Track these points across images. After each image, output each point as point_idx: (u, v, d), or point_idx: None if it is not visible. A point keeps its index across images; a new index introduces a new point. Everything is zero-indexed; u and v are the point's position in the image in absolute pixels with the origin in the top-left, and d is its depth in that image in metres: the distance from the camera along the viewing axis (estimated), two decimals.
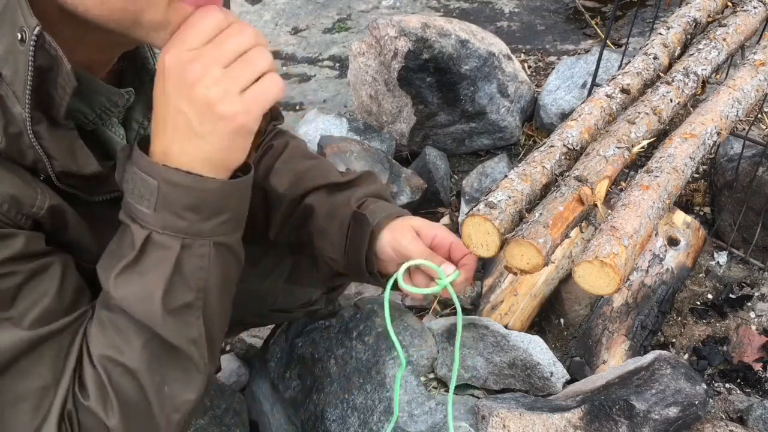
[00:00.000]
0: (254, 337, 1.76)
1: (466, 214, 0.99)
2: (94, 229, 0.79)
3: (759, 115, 2.15)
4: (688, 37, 1.45)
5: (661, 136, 1.20)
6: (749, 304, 1.75)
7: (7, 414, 0.70)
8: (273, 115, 1.18)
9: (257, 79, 0.68)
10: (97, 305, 0.75)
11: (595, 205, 1.00)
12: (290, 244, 1.12)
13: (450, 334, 1.39)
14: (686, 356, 1.65)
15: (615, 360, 1.54)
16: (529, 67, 2.81)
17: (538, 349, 1.41)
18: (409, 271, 1.00)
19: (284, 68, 3.07)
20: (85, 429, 0.71)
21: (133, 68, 0.86)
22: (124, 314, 0.72)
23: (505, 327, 1.55)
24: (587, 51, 2.78)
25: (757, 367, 1.58)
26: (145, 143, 0.73)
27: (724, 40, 1.38)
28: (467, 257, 0.97)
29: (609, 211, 0.98)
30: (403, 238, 0.98)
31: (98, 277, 0.75)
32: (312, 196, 1.08)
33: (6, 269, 0.68)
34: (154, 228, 0.70)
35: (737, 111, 1.22)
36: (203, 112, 0.67)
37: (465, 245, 1.00)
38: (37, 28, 0.63)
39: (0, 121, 0.66)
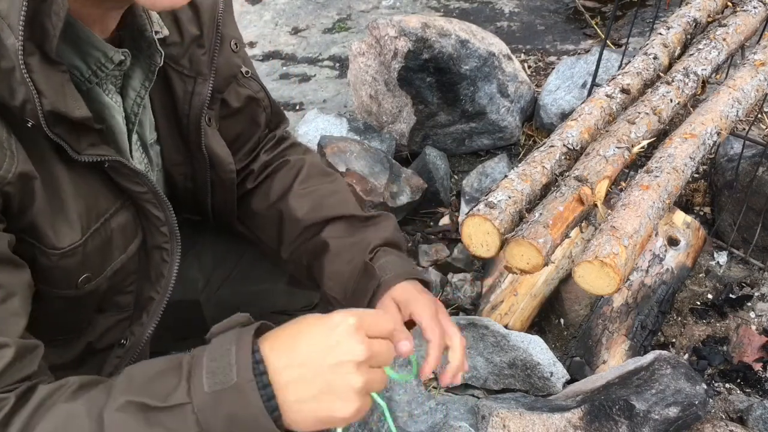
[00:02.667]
0: None
1: (466, 214, 0.99)
2: (59, 197, 0.76)
3: (759, 115, 2.15)
4: (688, 37, 1.45)
5: (661, 136, 1.20)
6: (749, 304, 1.75)
7: None
8: (278, 119, 1.18)
9: None
10: (81, 399, 0.68)
11: (595, 205, 1.00)
12: (299, 267, 1.11)
13: None
14: (686, 356, 1.65)
15: (615, 360, 1.54)
16: (529, 67, 2.81)
17: (538, 349, 1.41)
18: None
19: (284, 68, 3.07)
20: None
21: (131, 36, 0.86)
22: (97, 428, 0.66)
23: (505, 327, 1.55)
24: (587, 51, 2.78)
25: (757, 367, 1.58)
26: (263, 328, 0.72)
27: (724, 40, 1.38)
28: (453, 358, 0.93)
29: (609, 211, 0.98)
30: (389, 308, 0.97)
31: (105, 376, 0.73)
32: (329, 229, 1.06)
33: None
34: (195, 404, 0.66)
35: (737, 111, 1.22)
36: (340, 388, 0.68)
37: (465, 245, 1.00)
38: None
39: None
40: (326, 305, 1.10)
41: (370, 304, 0.99)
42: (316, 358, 0.67)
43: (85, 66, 0.78)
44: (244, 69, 1.06)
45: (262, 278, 1.24)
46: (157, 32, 0.87)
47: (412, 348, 0.77)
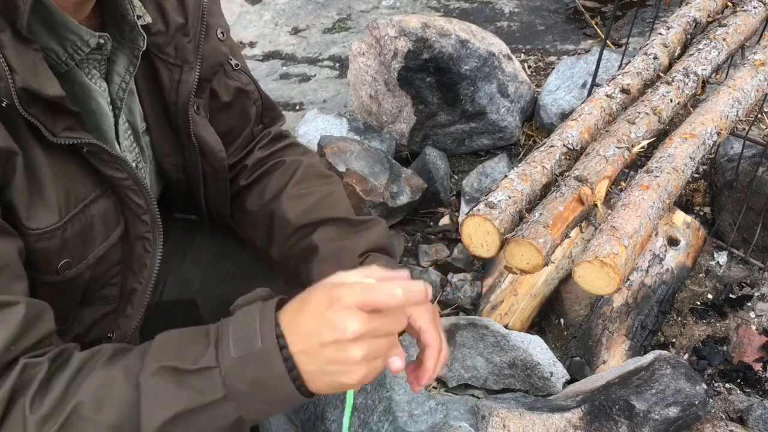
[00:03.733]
0: None
1: (466, 214, 0.99)
2: (37, 178, 0.77)
3: (759, 115, 2.15)
4: (688, 37, 1.45)
5: (661, 136, 1.20)
6: (749, 304, 1.74)
7: None
8: (272, 115, 1.17)
9: None
10: (118, 366, 0.73)
11: (595, 205, 1.00)
12: (288, 269, 1.11)
13: (450, 333, 1.39)
14: (686, 356, 1.65)
15: (615, 360, 1.54)
16: (529, 67, 2.81)
17: (538, 349, 1.41)
18: None
19: (284, 68, 3.07)
20: (5, 425, 0.69)
21: (113, 21, 0.86)
22: (134, 393, 0.71)
23: (505, 327, 1.55)
24: (587, 51, 2.78)
25: (757, 367, 1.58)
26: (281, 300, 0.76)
27: (724, 40, 1.38)
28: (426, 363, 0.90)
29: (609, 211, 0.98)
30: None
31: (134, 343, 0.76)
32: (320, 232, 1.06)
33: None
34: (223, 367, 0.71)
35: (737, 111, 1.22)
36: (341, 361, 0.70)
37: (465, 245, 1.00)
38: None
39: None
40: None
41: None
42: (316, 333, 0.70)
43: (61, 49, 0.78)
44: (233, 61, 1.06)
45: (260, 277, 1.24)
46: (139, 17, 0.87)
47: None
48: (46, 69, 0.74)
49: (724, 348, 1.64)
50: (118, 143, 0.91)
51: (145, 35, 0.87)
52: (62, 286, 0.86)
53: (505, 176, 1.05)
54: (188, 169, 1.03)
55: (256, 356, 0.71)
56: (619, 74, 1.30)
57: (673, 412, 1.20)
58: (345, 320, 0.68)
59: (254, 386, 0.71)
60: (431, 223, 2.11)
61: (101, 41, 0.81)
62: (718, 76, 1.78)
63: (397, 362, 0.73)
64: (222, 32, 0.99)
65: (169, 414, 0.70)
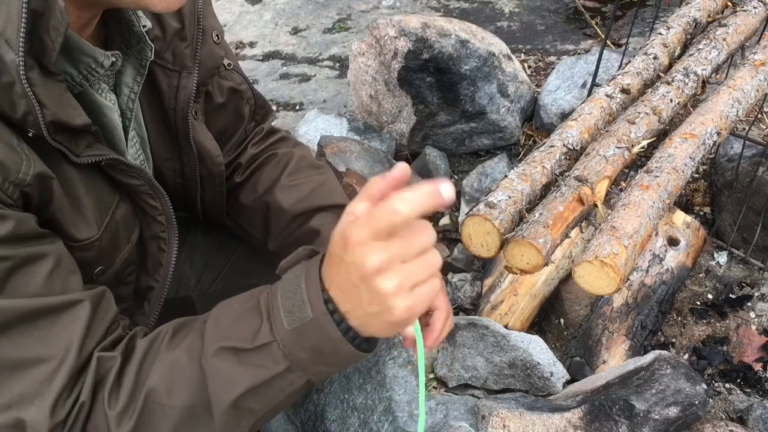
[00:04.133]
0: None
1: (466, 214, 0.99)
2: (75, 195, 0.78)
3: (759, 115, 2.15)
4: (688, 37, 1.45)
5: (661, 136, 1.20)
6: (749, 304, 1.74)
7: (6, 378, 0.71)
8: (264, 111, 1.18)
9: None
10: (180, 347, 0.75)
11: (595, 205, 1.00)
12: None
13: (450, 333, 1.39)
14: (686, 356, 1.65)
15: (615, 360, 1.54)
16: (529, 67, 2.81)
17: (538, 349, 1.41)
18: None
19: (284, 68, 3.07)
20: (92, 419, 0.72)
21: (118, 32, 0.86)
22: (200, 373, 0.73)
23: (505, 327, 1.55)
24: (587, 51, 2.77)
25: (757, 367, 1.58)
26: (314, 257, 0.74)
27: (724, 40, 1.38)
28: (433, 325, 0.92)
29: (609, 211, 0.98)
30: None
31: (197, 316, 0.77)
32: (318, 217, 1.07)
33: None
34: (280, 341, 0.72)
35: (737, 111, 1.22)
36: (376, 298, 0.67)
37: (465, 245, 1.00)
38: None
39: None
40: None
41: None
42: (346, 281, 0.69)
43: (75, 71, 0.78)
44: (227, 61, 1.06)
45: (256, 272, 1.25)
46: (144, 26, 0.87)
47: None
48: (72, 99, 0.75)
49: (724, 348, 1.64)
50: (126, 152, 0.91)
51: (152, 45, 0.87)
52: None
53: (505, 176, 1.05)
54: (186, 174, 1.03)
55: (309, 325, 0.70)
56: (619, 74, 1.30)
57: (673, 412, 1.19)
58: (361, 256, 0.65)
59: (315, 353, 0.72)
60: (431, 223, 2.11)
61: (114, 59, 0.81)
62: (718, 76, 1.78)
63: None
64: (217, 35, 0.99)
65: (237, 392, 0.72)
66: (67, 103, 0.73)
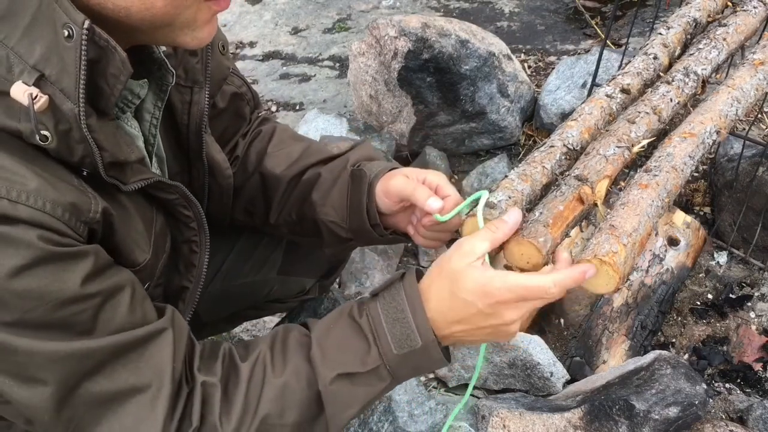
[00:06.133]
0: (252, 335, 1.76)
1: (467, 214, 0.98)
2: (129, 222, 0.81)
3: (759, 115, 2.15)
4: (688, 37, 1.45)
5: (661, 135, 1.20)
6: (749, 304, 1.74)
7: (115, 410, 0.74)
8: (255, 104, 1.19)
9: None
10: (287, 373, 0.81)
11: (596, 205, 1.00)
12: (291, 222, 1.13)
13: None
14: (686, 356, 1.65)
15: (615, 360, 1.54)
16: (529, 67, 2.81)
17: (538, 349, 1.41)
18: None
19: (284, 68, 3.07)
20: None
21: (139, 60, 0.86)
22: (315, 396, 0.81)
23: None
24: (587, 51, 2.77)
25: (757, 367, 1.58)
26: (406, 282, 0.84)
27: (724, 39, 1.38)
28: (449, 199, 0.99)
29: (609, 210, 0.98)
30: (393, 179, 1.00)
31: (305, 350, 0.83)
32: (310, 171, 1.10)
33: (85, 290, 0.69)
34: (387, 363, 0.81)
35: (736, 110, 1.22)
36: (499, 334, 0.82)
37: None
38: (87, 22, 0.64)
39: (50, 120, 0.66)
40: (330, 245, 1.17)
41: (369, 203, 1.02)
42: (473, 322, 0.79)
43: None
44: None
45: (253, 270, 1.26)
46: (163, 50, 0.87)
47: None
48: (125, 135, 0.76)
49: (724, 348, 1.64)
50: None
51: (174, 71, 0.88)
52: None
53: (505, 176, 1.04)
54: (194, 187, 1.04)
55: (418, 351, 0.80)
56: (619, 74, 1.29)
57: (673, 412, 1.19)
58: (504, 315, 0.78)
59: (414, 370, 0.83)
60: None
61: (143, 88, 0.83)
62: (718, 76, 1.78)
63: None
64: (223, 45, 1.00)
65: (353, 412, 0.82)
66: (122, 141, 0.75)
